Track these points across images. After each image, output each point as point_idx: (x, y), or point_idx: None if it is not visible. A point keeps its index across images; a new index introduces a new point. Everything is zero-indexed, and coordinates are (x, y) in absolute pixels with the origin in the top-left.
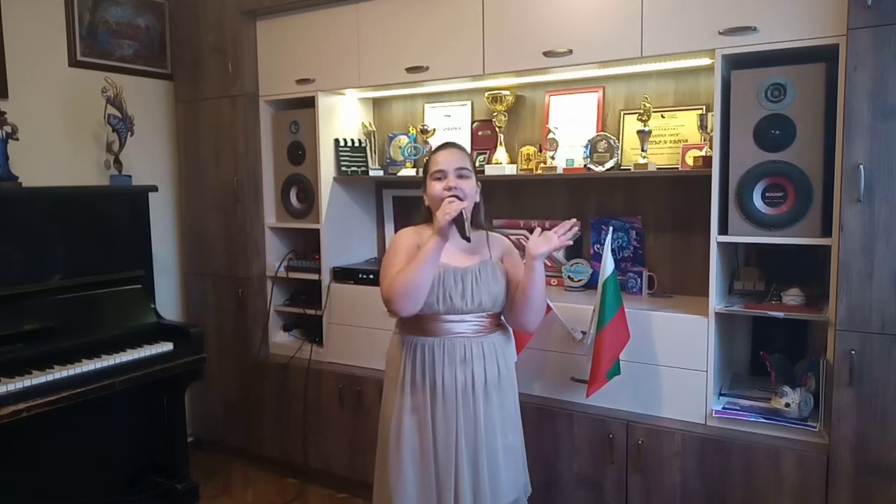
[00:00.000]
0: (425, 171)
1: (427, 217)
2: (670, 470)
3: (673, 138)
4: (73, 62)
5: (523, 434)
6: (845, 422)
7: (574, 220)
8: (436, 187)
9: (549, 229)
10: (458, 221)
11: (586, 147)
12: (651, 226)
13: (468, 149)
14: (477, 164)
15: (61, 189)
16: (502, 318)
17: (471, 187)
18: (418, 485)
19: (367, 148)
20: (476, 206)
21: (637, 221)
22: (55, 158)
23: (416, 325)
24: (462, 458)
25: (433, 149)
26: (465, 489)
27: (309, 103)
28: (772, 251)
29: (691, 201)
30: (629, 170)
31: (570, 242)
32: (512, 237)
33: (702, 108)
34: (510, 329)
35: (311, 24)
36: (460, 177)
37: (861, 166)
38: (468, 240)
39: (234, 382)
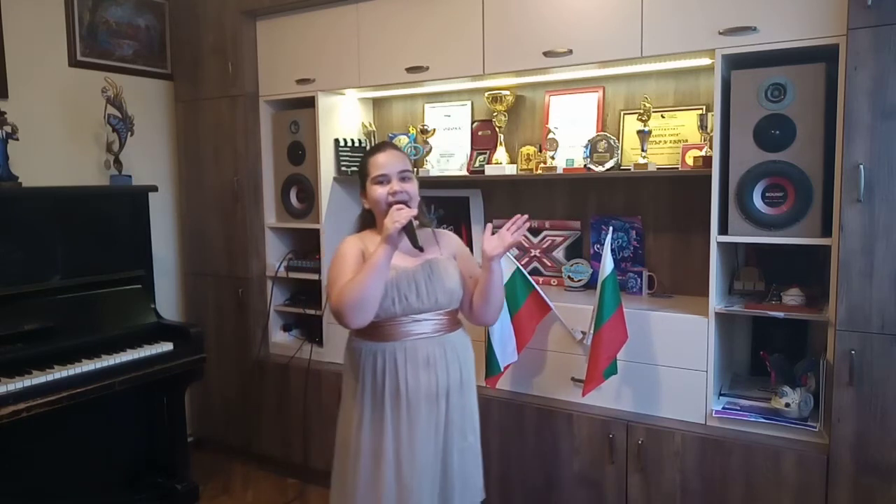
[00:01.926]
0: (362, 174)
1: (369, 222)
2: (670, 470)
3: (673, 138)
4: (73, 62)
5: (480, 434)
6: (845, 422)
7: (525, 216)
8: (379, 192)
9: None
10: (408, 229)
11: (586, 147)
12: (651, 226)
13: (468, 149)
14: (477, 164)
15: (61, 189)
16: (459, 315)
17: (414, 189)
18: (375, 495)
19: (367, 148)
20: (418, 204)
21: (637, 221)
22: (55, 158)
23: (374, 332)
24: (427, 465)
25: (368, 150)
26: (433, 492)
27: (309, 103)
28: (772, 251)
29: (691, 201)
30: (629, 170)
31: (521, 238)
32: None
33: (702, 108)
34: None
35: (311, 24)
36: (403, 179)
37: (861, 166)
38: (420, 249)
39: (234, 382)
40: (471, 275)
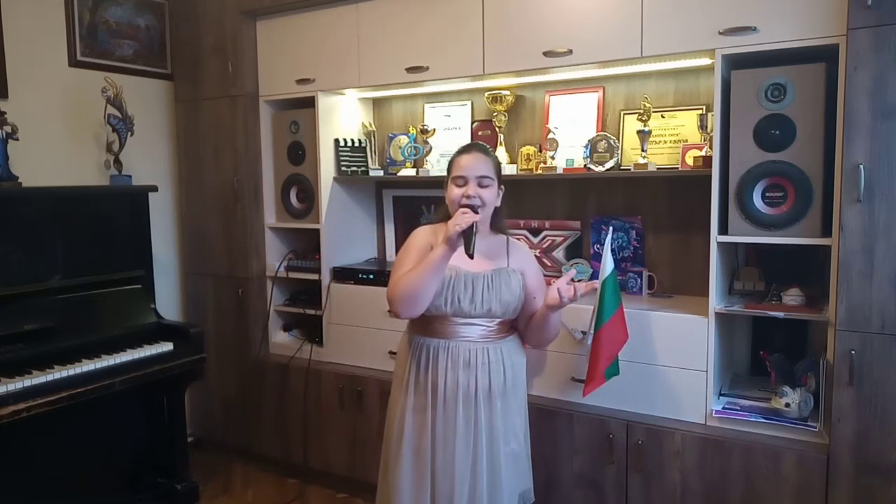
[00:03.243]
0: (448, 170)
1: (446, 216)
2: (670, 470)
3: (673, 138)
4: (73, 62)
5: (529, 439)
6: (845, 422)
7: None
8: (455, 192)
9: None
10: (466, 234)
11: (586, 147)
12: (651, 226)
13: None
14: None
15: (61, 189)
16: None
17: (491, 195)
18: (416, 486)
19: (367, 148)
20: (497, 210)
21: (637, 221)
22: (55, 158)
23: (424, 326)
24: (459, 463)
25: (459, 148)
26: (462, 494)
27: (309, 103)
28: (772, 251)
29: (691, 201)
30: (629, 170)
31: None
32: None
33: (702, 108)
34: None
35: (311, 24)
36: (481, 185)
37: (861, 166)
38: (471, 256)
39: (234, 382)
40: (534, 296)
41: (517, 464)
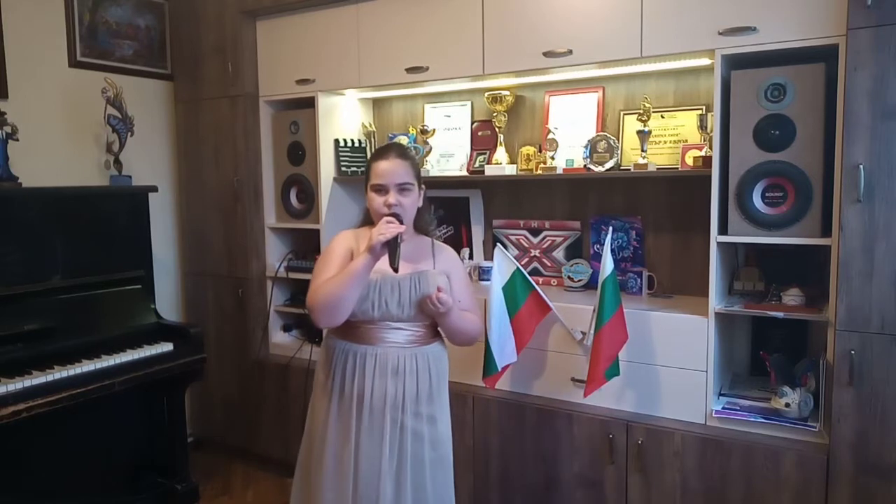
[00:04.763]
0: (366, 175)
1: (368, 220)
2: (670, 470)
3: (673, 138)
4: (73, 62)
5: (452, 446)
6: (845, 422)
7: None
8: (376, 200)
9: None
10: (391, 245)
11: (586, 147)
12: (651, 226)
13: (468, 149)
14: (477, 164)
15: (61, 189)
16: (440, 328)
17: (411, 201)
18: (338, 494)
19: (367, 148)
20: (419, 211)
21: (637, 221)
22: (55, 158)
23: (349, 332)
24: (385, 472)
25: (375, 151)
26: (385, 501)
27: (309, 103)
28: (772, 251)
29: (691, 201)
30: (629, 170)
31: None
32: (512, 237)
33: (702, 108)
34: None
35: (311, 24)
36: (401, 192)
37: (861, 166)
38: (396, 270)
39: (234, 382)
40: (458, 300)
41: (443, 469)
